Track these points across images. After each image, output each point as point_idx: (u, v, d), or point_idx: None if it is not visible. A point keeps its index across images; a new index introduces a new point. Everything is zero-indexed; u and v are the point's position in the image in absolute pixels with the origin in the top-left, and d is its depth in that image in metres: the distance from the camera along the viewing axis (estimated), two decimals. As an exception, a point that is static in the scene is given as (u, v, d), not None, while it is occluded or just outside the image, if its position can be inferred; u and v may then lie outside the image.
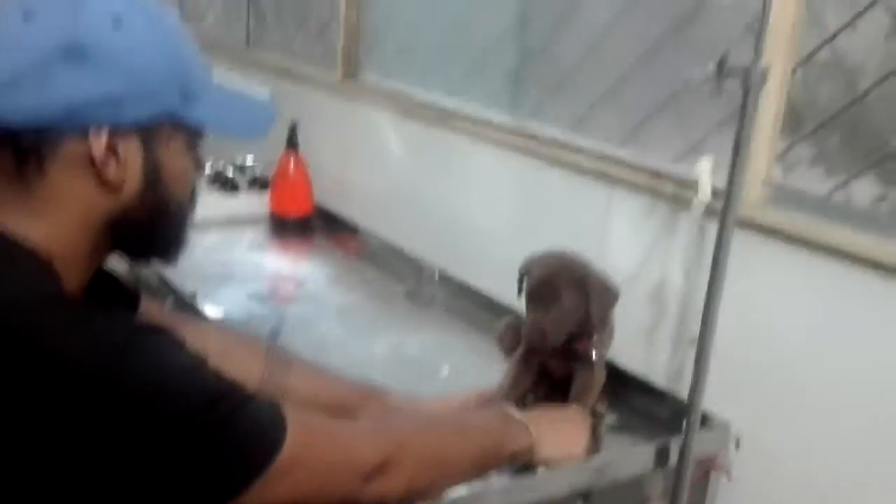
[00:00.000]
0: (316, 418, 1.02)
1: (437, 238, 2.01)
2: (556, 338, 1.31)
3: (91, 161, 0.88)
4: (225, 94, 1.00)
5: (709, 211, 1.38)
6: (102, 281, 1.03)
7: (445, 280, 1.90)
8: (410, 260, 1.99)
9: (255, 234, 2.23)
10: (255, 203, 2.31)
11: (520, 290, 1.36)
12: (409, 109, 2.09)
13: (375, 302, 1.87)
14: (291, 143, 2.25)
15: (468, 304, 1.82)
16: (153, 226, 0.96)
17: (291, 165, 2.25)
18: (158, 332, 0.88)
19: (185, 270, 1.77)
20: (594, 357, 1.33)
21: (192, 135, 0.97)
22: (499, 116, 1.87)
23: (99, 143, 0.88)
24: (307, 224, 2.27)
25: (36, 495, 0.82)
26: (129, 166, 0.90)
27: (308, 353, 1.41)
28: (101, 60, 0.86)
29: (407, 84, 2.16)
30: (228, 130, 0.98)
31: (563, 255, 1.36)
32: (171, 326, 0.91)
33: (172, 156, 0.94)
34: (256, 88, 1.07)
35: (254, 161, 2.41)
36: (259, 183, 2.36)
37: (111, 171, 0.89)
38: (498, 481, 1.18)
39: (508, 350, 1.41)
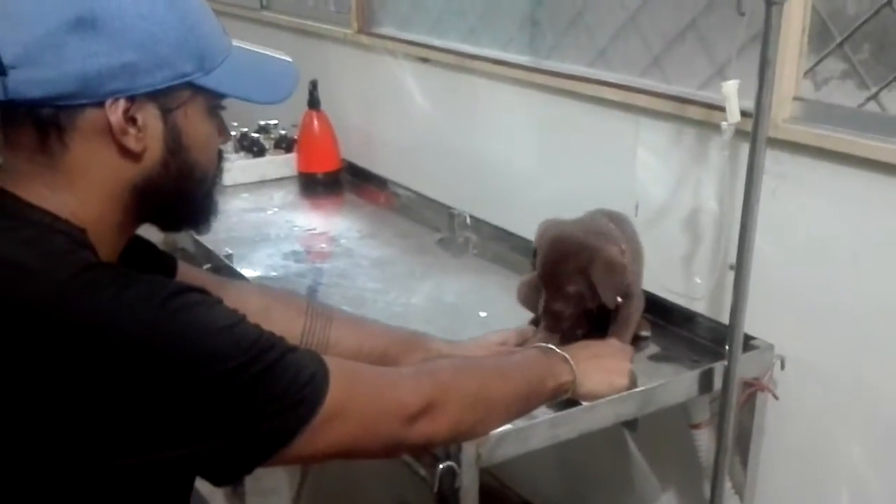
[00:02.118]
0: (358, 366, 1.03)
1: (465, 183, 2.01)
2: (570, 318, 1.30)
3: (110, 130, 0.88)
4: (244, 58, 0.99)
5: (739, 133, 1.36)
6: (138, 249, 1.04)
7: (477, 225, 1.90)
8: (441, 207, 1.98)
9: (285, 194, 2.24)
10: (282, 163, 2.32)
11: (533, 266, 1.35)
12: (428, 57, 2.08)
13: (409, 252, 1.88)
14: (313, 101, 2.25)
15: (501, 246, 1.82)
16: (179, 193, 0.96)
17: (315, 123, 2.26)
18: (195, 292, 0.88)
19: (220, 234, 1.80)
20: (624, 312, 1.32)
21: (212, 100, 0.96)
22: (517, 58, 1.85)
23: (116, 113, 0.88)
24: (335, 180, 2.28)
25: (82, 462, 0.83)
26: (149, 134, 0.91)
27: (346, 307, 1.42)
28: (113, 30, 0.86)
29: (422, 34, 2.14)
30: (248, 95, 0.97)
31: (570, 233, 1.31)
32: (210, 289, 0.92)
33: (192, 122, 0.94)
34: (276, 52, 1.06)
35: (278, 122, 2.41)
36: (285, 143, 2.36)
37: (131, 140, 0.90)
38: (542, 416, 1.19)
39: (533, 308, 1.41)
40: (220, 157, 1.02)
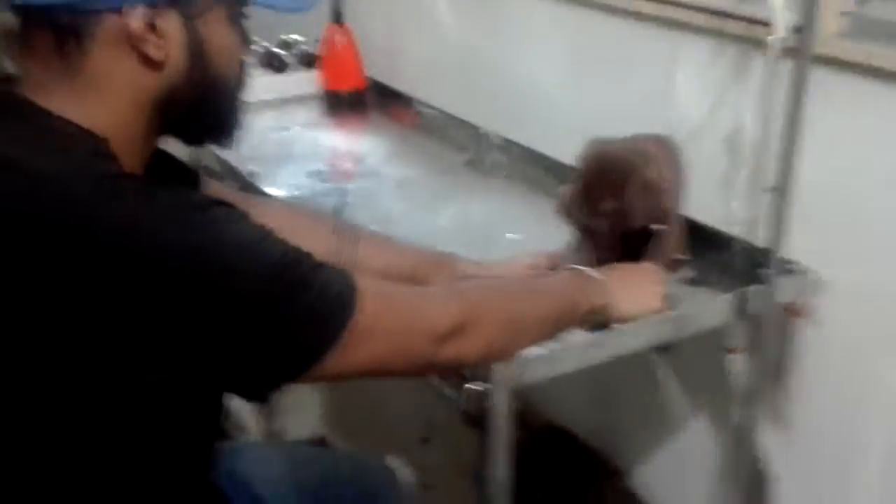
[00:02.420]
0: (387, 284, 1.02)
1: (494, 103, 1.95)
2: (605, 237, 1.28)
3: (130, 38, 0.86)
4: None
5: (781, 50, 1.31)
6: (162, 162, 1.01)
7: (506, 146, 1.85)
8: (469, 128, 1.94)
9: (309, 112, 2.19)
10: (305, 80, 2.27)
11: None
12: (456, -30, 2.01)
13: (436, 173, 1.84)
14: (337, 16, 2.18)
15: (531, 168, 1.78)
16: (203, 104, 0.94)
17: (339, 39, 2.19)
18: (222, 206, 0.87)
19: (243, 152, 1.77)
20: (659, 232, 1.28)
21: (235, 8, 0.93)
22: (550, -31, 1.78)
23: (136, 19, 0.85)
24: (360, 99, 2.23)
25: (110, 376, 0.82)
26: (170, 42, 0.88)
27: (372, 227, 1.40)
28: None
29: (451, -55, 2.06)
30: (272, 2, 0.95)
31: (612, 152, 1.28)
32: (236, 205, 0.90)
33: (215, 30, 0.91)
34: None
35: (301, 38, 2.35)
36: (308, 60, 2.31)
37: (151, 48, 0.87)
38: (574, 338, 1.17)
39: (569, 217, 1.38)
40: (243, 67, 0.99)
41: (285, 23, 2.27)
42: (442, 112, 2.04)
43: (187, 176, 1.11)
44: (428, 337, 0.97)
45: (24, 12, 0.87)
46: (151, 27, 0.87)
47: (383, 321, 0.93)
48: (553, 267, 1.31)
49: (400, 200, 1.72)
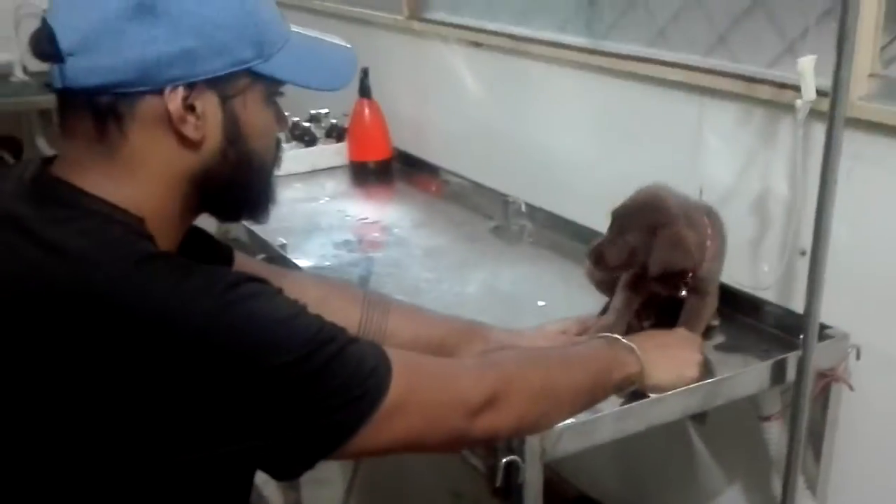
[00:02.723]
0: (420, 358, 1.01)
1: (520, 171, 1.96)
2: (613, 261, 1.26)
3: (169, 119, 0.87)
4: (303, 44, 0.97)
5: (811, 113, 1.30)
6: (196, 239, 1.02)
7: (532, 212, 1.85)
8: (494, 195, 1.94)
9: (337, 184, 2.21)
10: (333, 152, 2.30)
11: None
12: (480, 41, 2.03)
13: (463, 241, 1.84)
14: (364, 88, 2.21)
15: (558, 234, 1.77)
16: (238, 182, 0.95)
17: (366, 111, 2.22)
18: (255, 283, 0.87)
19: (272, 224, 1.76)
20: (682, 291, 1.27)
21: (271, 87, 0.95)
22: (574, 39, 1.80)
23: (175, 100, 0.86)
24: (387, 169, 2.25)
25: (141, 457, 0.82)
26: (208, 122, 0.89)
27: (400, 296, 1.39)
28: (172, 15, 0.85)
29: (475, 18, 2.09)
30: (308, 82, 0.96)
31: (661, 196, 1.27)
32: (267, 279, 0.90)
33: (251, 110, 0.92)
34: (334, 37, 1.04)
35: (329, 111, 2.39)
36: (336, 132, 2.34)
37: (190, 128, 0.88)
38: (607, 410, 1.14)
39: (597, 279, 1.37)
40: (278, 144, 1.00)
41: (315, 97, 2.31)
42: (468, 180, 2.05)
43: (220, 251, 1.12)
44: (461, 410, 0.95)
45: (64, 95, 0.88)
46: (190, 108, 0.88)
47: (416, 397, 0.91)
48: (583, 332, 1.29)
49: (427, 269, 1.71)
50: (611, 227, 1.27)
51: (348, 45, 1.05)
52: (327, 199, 2.12)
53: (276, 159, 1.00)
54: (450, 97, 2.18)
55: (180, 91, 0.87)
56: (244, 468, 0.94)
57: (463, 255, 1.77)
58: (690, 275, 1.26)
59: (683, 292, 1.27)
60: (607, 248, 1.26)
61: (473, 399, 0.95)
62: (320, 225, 1.94)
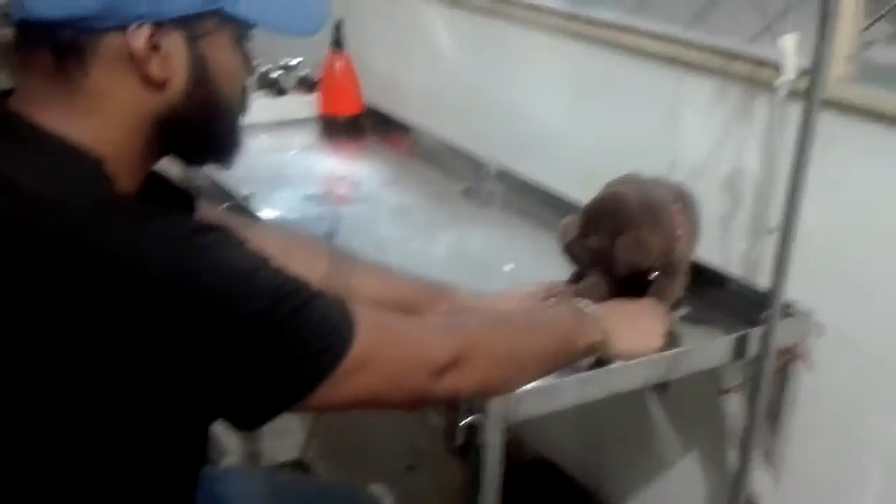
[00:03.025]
0: (385, 315, 1.00)
1: (493, 134, 1.95)
2: (580, 261, 1.29)
3: (132, 57, 0.84)
4: None
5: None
6: (157, 184, 1.00)
7: (504, 177, 1.84)
8: (467, 157, 1.93)
9: (306, 136, 2.18)
10: (303, 105, 2.26)
11: None
12: (458, 0, 2.01)
13: (432, 201, 1.83)
14: (337, 42, 2.18)
15: (529, 200, 1.76)
16: (204, 125, 0.93)
17: (338, 64, 2.19)
18: (218, 231, 0.85)
19: (238, 174, 1.74)
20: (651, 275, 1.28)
21: (240, 30, 0.92)
22: (554, 4, 1.78)
23: (139, 39, 0.84)
24: (358, 124, 2.22)
25: (97, 402, 0.81)
26: (173, 62, 0.86)
27: (367, 254, 1.38)
28: None
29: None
30: (278, 25, 0.93)
31: (627, 195, 1.28)
32: (231, 228, 0.89)
33: (219, 52, 0.90)
34: None
35: (300, 62, 2.34)
36: (306, 84, 2.30)
37: (154, 68, 0.85)
38: (570, 375, 1.15)
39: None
40: (244, 90, 0.98)
41: (285, 46, 2.27)
42: (440, 140, 2.03)
43: (182, 198, 1.09)
44: (425, 369, 0.95)
45: (23, 27, 0.85)
46: (155, 47, 0.85)
47: (380, 352, 0.91)
48: (551, 297, 1.29)
49: (395, 227, 1.70)
50: (580, 225, 1.29)
51: None
52: (295, 151, 2.09)
53: (243, 104, 0.98)
54: (425, 55, 2.16)
55: (145, 29, 0.84)
56: (203, 417, 0.93)
57: (432, 216, 1.76)
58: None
59: (654, 274, 1.28)
60: (575, 245, 1.28)
61: (437, 358, 0.95)
62: (288, 177, 1.92)
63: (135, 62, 0.85)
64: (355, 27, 2.20)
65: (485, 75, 1.98)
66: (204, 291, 0.80)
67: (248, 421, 0.88)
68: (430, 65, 2.14)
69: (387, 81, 2.27)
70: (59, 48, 0.84)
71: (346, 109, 2.21)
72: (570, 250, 1.30)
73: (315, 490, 1.46)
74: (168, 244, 0.80)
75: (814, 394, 1.38)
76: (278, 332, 0.83)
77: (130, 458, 0.88)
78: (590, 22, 1.69)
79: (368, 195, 1.86)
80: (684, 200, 1.32)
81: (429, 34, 2.12)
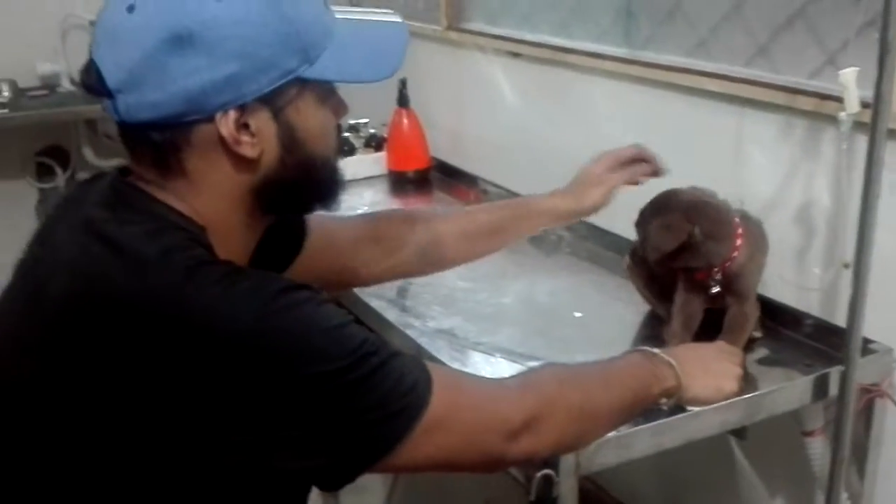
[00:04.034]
0: (461, 375, 1.02)
1: (558, 181, 1.93)
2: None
3: (224, 142, 0.88)
4: (348, 33, 0.94)
5: (853, 125, 1.28)
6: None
7: (570, 223, 1.84)
8: (533, 206, 1.93)
9: (375, 193, 2.22)
10: (372, 162, 2.31)
11: None
12: (519, 52, 2.03)
13: (500, 251, 1.83)
14: (403, 99, 2.23)
15: (595, 245, 1.76)
16: (302, 184, 0.95)
17: (405, 121, 2.24)
18: (305, 290, 0.87)
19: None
20: (713, 288, 1.28)
21: (323, 87, 0.93)
22: (612, 49, 1.79)
23: (227, 124, 0.87)
24: (425, 178, 2.26)
25: (176, 454, 0.83)
26: (264, 137, 0.89)
27: (437, 307, 1.39)
28: (210, 43, 0.84)
29: (513, 28, 2.09)
30: (357, 76, 0.94)
31: (674, 191, 1.33)
32: (333, 227, 1.04)
33: (305, 115, 0.92)
34: (381, 12, 1.03)
35: (368, 120, 2.40)
36: (375, 142, 2.35)
37: (246, 148, 0.89)
38: (644, 424, 1.14)
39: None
40: (338, 132, 1.01)
41: (353, 107, 2.32)
42: (506, 190, 2.05)
43: (294, 226, 1.15)
44: (500, 433, 0.94)
45: (122, 126, 0.90)
46: (244, 127, 0.88)
47: (456, 415, 0.91)
48: (623, 163, 1.36)
49: (464, 280, 1.70)
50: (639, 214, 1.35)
51: (398, 20, 1.03)
52: (366, 208, 2.12)
53: (337, 150, 1.00)
54: (487, 107, 2.18)
55: (231, 114, 0.86)
56: (287, 479, 0.94)
57: (500, 266, 1.76)
58: (717, 270, 1.25)
59: (716, 288, 1.28)
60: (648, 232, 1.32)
61: (513, 421, 0.94)
62: (359, 234, 1.95)
63: (226, 146, 0.88)
64: (419, 84, 2.24)
65: (547, 123, 2.00)
66: (285, 348, 0.82)
67: (326, 482, 0.89)
68: (494, 116, 2.17)
69: (452, 135, 2.30)
70: (156, 146, 0.88)
71: (413, 164, 2.25)
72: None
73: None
74: (254, 302, 0.82)
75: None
76: (355, 392, 0.84)
77: None
78: (649, 65, 1.69)
79: (437, 248, 1.87)
80: (747, 218, 1.33)
81: (491, 86, 2.14)
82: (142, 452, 0.82)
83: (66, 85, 2.88)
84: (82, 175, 3.00)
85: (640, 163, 1.38)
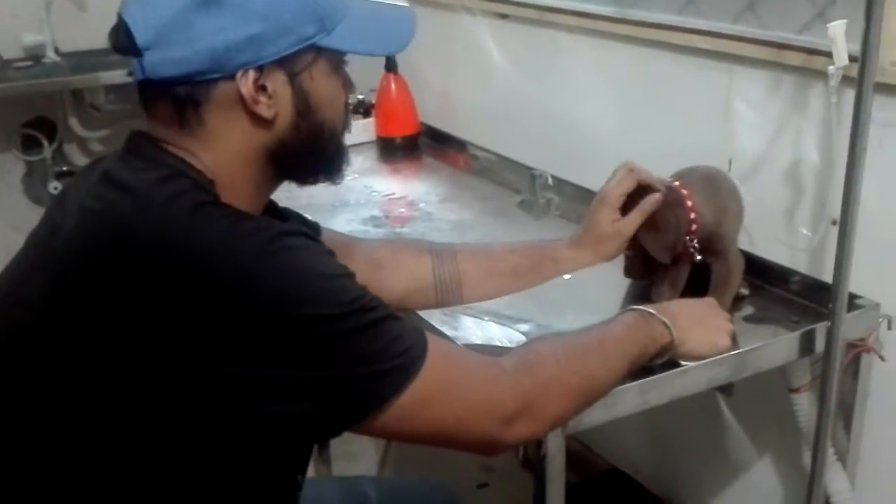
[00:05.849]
0: (460, 351, 1.02)
1: (547, 144, 1.94)
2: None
3: (243, 101, 0.92)
4: (362, 10, 1.00)
5: (842, 79, 1.27)
6: (280, 216, 1.10)
7: (559, 185, 1.83)
8: (521, 169, 1.93)
9: (364, 159, 2.21)
10: (360, 128, 2.28)
11: None
12: (506, 13, 2.01)
13: (490, 215, 1.83)
14: (390, 63, 2.21)
15: (585, 207, 1.73)
16: (312, 151, 1.00)
17: (393, 86, 2.22)
18: (307, 238, 0.90)
19: (299, 201, 1.78)
20: (695, 257, 1.27)
21: (335, 58, 0.98)
22: (600, 8, 1.77)
23: (247, 84, 0.92)
24: (414, 144, 2.24)
25: (171, 384, 0.84)
26: (279, 100, 0.94)
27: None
28: (237, 4, 0.90)
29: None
30: (370, 49, 1.00)
31: (674, 183, 1.31)
32: (345, 246, 1.03)
33: (318, 82, 0.97)
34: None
35: (355, 86, 2.37)
36: (363, 108, 2.33)
37: (263, 108, 0.93)
38: (630, 382, 1.13)
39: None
40: (346, 109, 1.05)
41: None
42: (495, 154, 2.04)
43: (308, 227, 1.17)
44: (494, 417, 0.94)
45: (143, 84, 0.93)
46: (262, 88, 0.93)
47: (449, 389, 0.91)
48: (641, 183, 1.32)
49: (455, 242, 1.70)
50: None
51: (406, 4, 1.08)
52: (355, 175, 2.11)
53: (346, 123, 1.05)
54: (476, 70, 2.17)
55: (251, 74, 0.92)
56: (275, 425, 0.93)
57: (490, 230, 1.76)
58: (694, 240, 1.26)
59: (698, 257, 1.28)
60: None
61: (507, 406, 0.94)
62: (347, 201, 1.94)
63: (245, 104, 0.93)
64: (408, 48, 2.22)
65: (536, 85, 1.99)
66: (281, 287, 0.84)
67: (312, 431, 0.90)
68: (483, 79, 2.16)
69: (441, 99, 2.29)
70: (178, 101, 0.93)
71: (402, 130, 2.24)
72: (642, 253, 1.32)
73: (393, 489, 1.50)
74: (255, 240, 0.85)
75: (887, 387, 1.34)
76: (347, 342, 0.85)
77: (223, 460, 0.90)
78: (637, 23, 1.67)
79: (427, 213, 1.87)
80: (691, 173, 1.34)
81: (479, 49, 2.13)
82: (137, 383, 0.84)
83: (51, 56, 2.85)
84: (69, 147, 2.99)
85: (642, 190, 1.33)
